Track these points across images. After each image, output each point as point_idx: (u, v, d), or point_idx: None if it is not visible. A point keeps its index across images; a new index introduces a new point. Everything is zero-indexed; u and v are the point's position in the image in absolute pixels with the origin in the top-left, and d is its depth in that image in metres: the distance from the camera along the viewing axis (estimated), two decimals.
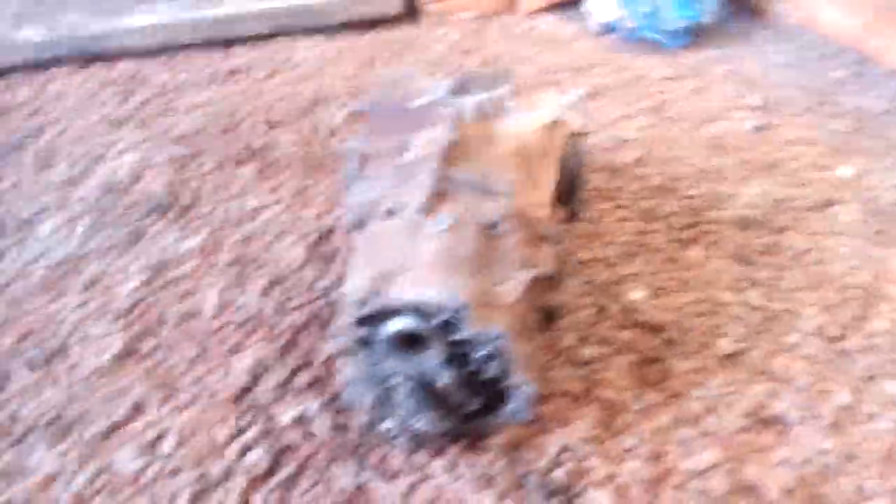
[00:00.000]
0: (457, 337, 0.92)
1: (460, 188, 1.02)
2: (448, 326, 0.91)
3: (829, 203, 1.49)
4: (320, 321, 1.26)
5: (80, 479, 1.03)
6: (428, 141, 1.10)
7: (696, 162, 1.63)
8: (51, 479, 1.04)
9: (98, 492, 1.02)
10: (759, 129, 1.74)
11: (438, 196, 1.01)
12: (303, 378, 1.16)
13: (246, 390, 1.15)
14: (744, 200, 1.51)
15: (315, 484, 1.01)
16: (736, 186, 1.55)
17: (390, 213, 1.01)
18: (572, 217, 1.31)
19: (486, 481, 0.99)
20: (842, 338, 1.19)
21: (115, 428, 1.10)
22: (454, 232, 0.96)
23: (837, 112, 1.80)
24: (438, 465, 1.02)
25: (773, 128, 1.74)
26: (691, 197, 1.52)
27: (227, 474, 1.03)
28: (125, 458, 1.06)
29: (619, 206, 1.50)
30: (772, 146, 1.68)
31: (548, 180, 1.20)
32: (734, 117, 1.79)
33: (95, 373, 1.19)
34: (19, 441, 1.10)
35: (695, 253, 1.38)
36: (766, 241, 1.40)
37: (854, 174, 1.57)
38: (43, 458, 1.07)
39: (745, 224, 1.45)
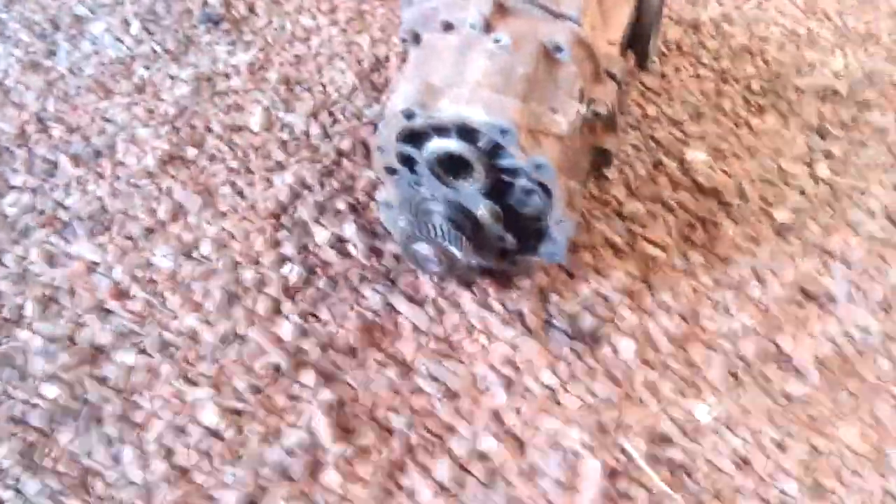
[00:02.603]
0: (501, 162, 0.88)
1: (524, 6, 0.95)
2: (493, 150, 0.87)
3: None
4: (365, 148, 1.23)
5: (119, 270, 1.05)
6: None
7: (787, 24, 1.50)
8: (91, 268, 1.07)
9: (135, 282, 1.04)
10: None
11: (500, 11, 0.93)
12: (342, 201, 1.14)
13: (285, 207, 1.14)
14: (831, 70, 1.39)
15: (344, 299, 1.01)
16: (826, 54, 1.43)
17: (447, 26, 0.94)
18: (642, 66, 1.22)
19: (514, 317, 0.98)
20: None
21: (154, 227, 1.12)
22: (511, 51, 0.90)
23: None
24: (468, 296, 1.01)
25: None
26: (775, 61, 1.41)
27: (261, 282, 1.04)
28: (163, 256, 1.07)
29: (694, 63, 1.40)
30: (873, 16, 1.53)
31: (621, 19, 1.10)
32: None
33: (139, 173, 1.19)
34: (63, 229, 1.12)
35: (768, 119, 1.29)
36: (846, 115, 1.30)
37: None
38: (84, 248, 1.09)
39: (827, 95, 1.34)
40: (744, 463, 0.85)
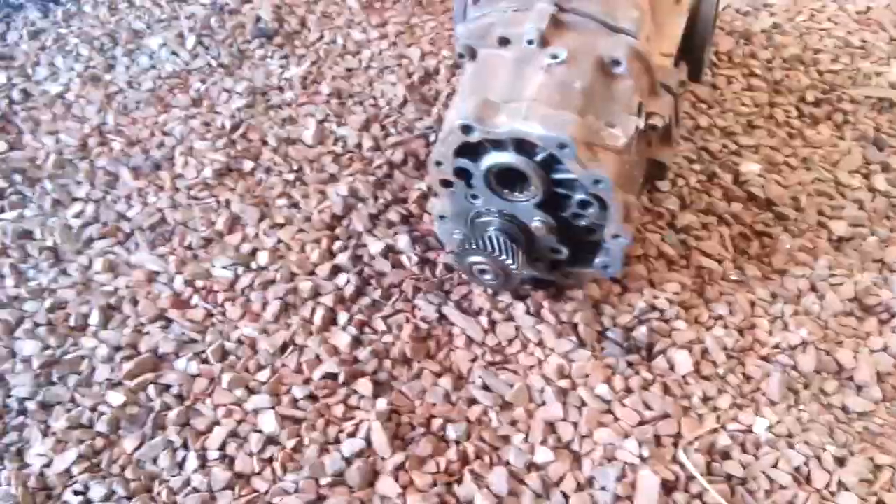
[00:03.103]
0: (557, 175, 0.88)
1: (581, 20, 0.95)
2: (549, 164, 0.88)
3: None
4: (417, 160, 1.25)
5: (179, 280, 1.08)
6: None
7: (840, 35, 1.48)
8: (153, 277, 1.09)
9: (195, 292, 1.06)
10: None
11: (556, 26, 0.94)
12: (395, 212, 1.16)
13: (339, 218, 1.16)
14: (887, 81, 1.37)
15: (399, 311, 1.03)
16: (880, 66, 1.41)
17: (503, 41, 0.95)
18: (695, 77, 1.22)
19: (568, 329, 0.98)
20: None
21: (213, 238, 1.14)
22: (568, 66, 0.90)
23: None
24: (521, 308, 1.01)
25: None
26: (829, 72, 1.39)
27: (317, 292, 1.05)
28: (222, 267, 1.10)
29: (747, 74, 1.39)
30: None
31: (675, 31, 1.10)
32: None
33: (198, 185, 1.22)
34: (125, 240, 1.16)
35: (823, 131, 1.28)
36: None
37: None
38: (145, 258, 1.12)
39: (883, 106, 1.32)
40: (803, 478, 0.84)
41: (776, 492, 0.82)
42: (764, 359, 0.95)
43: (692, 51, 1.19)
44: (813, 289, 1.04)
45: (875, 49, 1.45)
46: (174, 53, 1.50)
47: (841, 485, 0.83)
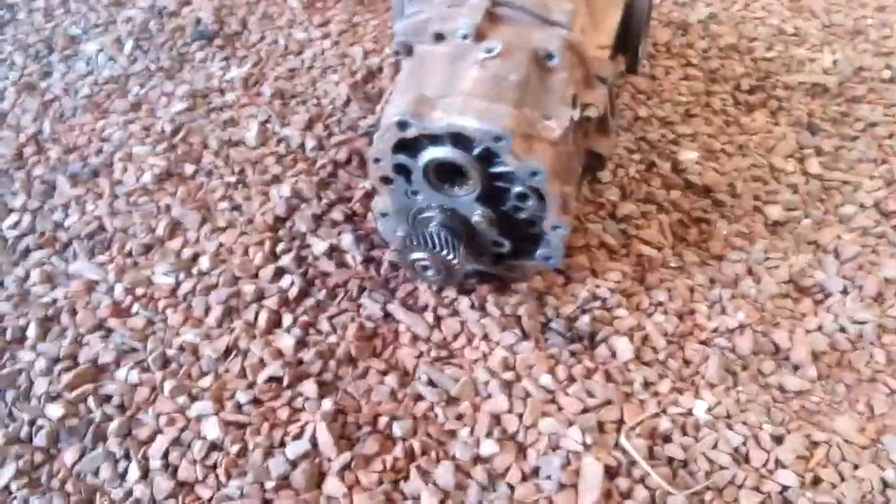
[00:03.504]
0: (495, 169, 0.89)
1: (515, 14, 0.96)
2: (487, 157, 0.88)
3: None
4: (360, 159, 1.24)
5: (119, 288, 1.06)
6: None
7: (775, 23, 1.51)
8: (92, 286, 1.07)
9: (136, 300, 1.05)
10: None
11: (491, 20, 0.95)
12: (339, 212, 1.15)
13: (282, 219, 1.15)
14: (820, 67, 1.40)
15: (344, 310, 1.02)
16: (814, 52, 1.44)
17: (439, 37, 0.95)
18: (633, 69, 1.23)
19: (511, 321, 0.99)
20: None
21: (153, 244, 1.12)
22: (504, 59, 0.91)
23: None
24: (466, 303, 1.02)
25: None
26: (763, 59, 1.42)
27: (260, 294, 1.04)
28: (162, 273, 1.08)
29: (684, 64, 1.41)
30: (859, 12, 1.55)
31: (611, 23, 1.12)
32: None
33: (137, 191, 1.20)
34: (63, 249, 1.13)
35: (758, 118, 1.31)
36: (836, 111, 1.31)
37: None
38: (84, 267, 1.10)
39: (816, 91, 1.35)
40: (743, 458, 0.85)
41: (716, 472, 0.84)
42: (703, 343, 0.97)
43: (629, 43, 1.20)
44: (749, 272, 1.06)
45: (808, 36, 1.48)
46: (112, 59, 1.47)
47: (778, 462, 0.85)
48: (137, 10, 1.58)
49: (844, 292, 1.03)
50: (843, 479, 0.83)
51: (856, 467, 0.85)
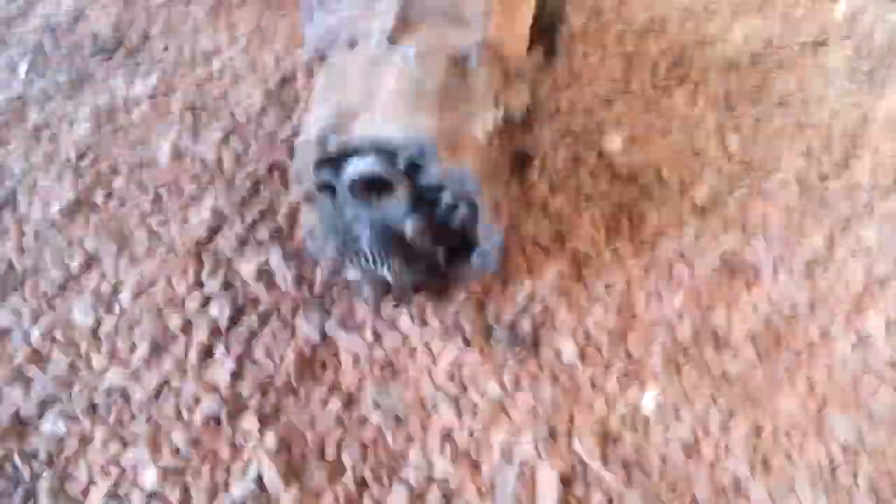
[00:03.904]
0: (423, 179, 0.86)
1: (428, 16, 0.93)
2: (413, 168, 0.86)
3: (820, 44, 1.40)
4: (282, 171, 1.20)
5: (36, 333, 1.00)
6: None
7: (684, 2, 1.52)
8: (5, 334, 1.01)
9: (55, 344, 0.99)
10: None
11: (404, 24, 0.92)
12: (264, 230, 1.11)
13: (204, 242, 1.10)
14: (732, 42, 1.42)
15: (278, 335, 0.99)
16: (725, 27, 1.46)
17: (352, 43, 0.92)
18: (549, 58, 1.22)
19: (453, 330, 0.97)
20: (821, 185, 1.16)
21: (68, 281, 1.06)
22: (421, 64, 0.88)
23: None
24: (404, 315, 0.99)
25: None
26: (677, 39, 1.43)
27: (188, 326, 1.00)
28: (81, 312, 1.02)
29: (599, 49, 1.41)
30: None
31: (524, 15, 1.10)
32: None
33: (46, 224, 1.13)
34: None
35: (677, 98, 1.31)
36: (751, 85, 1.33)
37: (848, 13, 1.47)
38: None
39: (731, 67, 1.37)
40: (694, 451, 0.86)
41: (671, 468, 0.84)
42: (644, 334, 0.97)
43: (545, 34, 1.19)
44: (682, 257, 1.07)
45: (719, 11, 1.50)
46: (5, 83, 1.38)
47: (728, 450, 0.86)
48: (29, 29, 1.48)
49: (775, 270, 1.04)
50: (792, 464, 0.85)
51: (801, 445, 0.86)
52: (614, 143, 1.22)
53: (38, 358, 0.98)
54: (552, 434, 0.87)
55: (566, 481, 0.83)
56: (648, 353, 0.95)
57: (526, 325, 0.97)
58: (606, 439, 0.87)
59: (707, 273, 1.04)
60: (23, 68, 1.40)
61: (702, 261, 1.06)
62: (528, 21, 1.11)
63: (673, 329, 0.98)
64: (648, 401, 0.90)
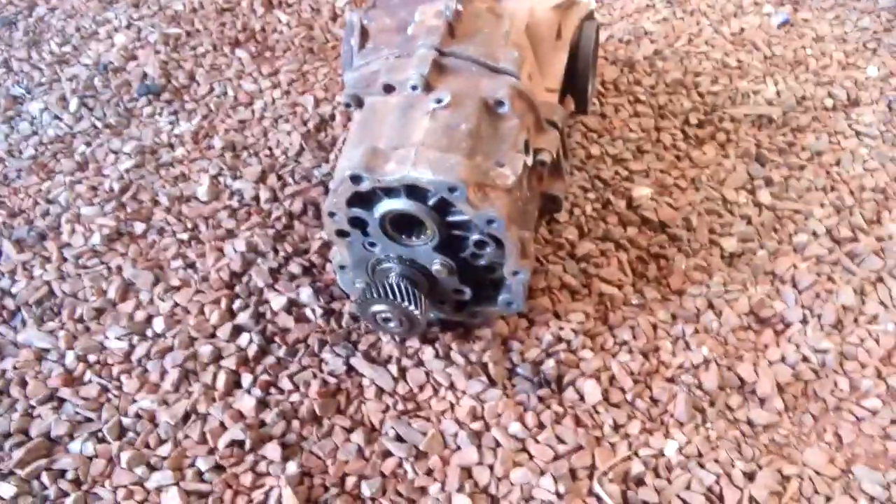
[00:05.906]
0: (452, 218, 0.88)
1: (463, 64, 0.96)
2: (442, 207, 0.88)
3: (852, 103, 1.42)
4: (316, 209, 1.23)
5: (71, 356, 1.03)
6: (431, 14, 1.03)
7: (718, 57, 1.55)
8: (42, 355, 1.04)
9: (88, 367, 1.01)
10: (785, 24, 1.64)
11: (439, 71, 0.95)
12: (296, 265, 1.13)
13: (238, 275, 1.12)
14: (764, 98, 1.44)
15: (306, 366, 1.00)
16: (757, 84, 1.48)
17: (388, 88, 0.95)
18: (580, 108, 1.25)
19: (478, 369, 0.98)
20: (851, 240, 1.15)
21: (105, 308, 1.09)
22: (453, 109, 0.91)
23: (869, 7, 1.69)
24: (430, 352, 1.00)
25: (801, 24, 1.65)
26: (709, 93, 1.45)
27: (218, 355, 1.02)
28: (115, 338, 1.05)
29: (632, 101, 1.44)
30: (798, 43, 1.60)
31: (558, 65, 1.13)
32: (760, 12, 1.69)
33: (86, 253, 1.17)
34: (10, 317, 1.09)
35: (708, 151, 1.33)
36: (782, 141, 1.34)
37: (881, 74, 1.49)
38: (33, 336, 1.06)
39: (762, 123, 1.38)
40: (717, 498, 0.85)
41: None
42: (669, 380, 0.97)
43: (576, 84, 1.22)
44: (710, 306, 1.06)
45: (751, 68, 1.52)
46: (57, 117, 1.44)
47: (752, 500, 0.84)
48: (82, 67, 1.55)
49: (804, 321, 1.04)
50: None
51: (828, 500, 0.85)
52: (644, 191, 1.23)
53: (72, 380, 1.00)
54: (573, 475, 0.87)
55: None
56: (673, 400, 0.95)
57: (550, 366, 0.97)
58: (628, 482, 0.86)
59: (735, 322, 1.04)
60: (73, 105, 1.46)
61: (730, 310, 1.06)
62: (561, 71, 1.14)
63: (699, 376, 0.97)
64: (672, 448, 0.89)
